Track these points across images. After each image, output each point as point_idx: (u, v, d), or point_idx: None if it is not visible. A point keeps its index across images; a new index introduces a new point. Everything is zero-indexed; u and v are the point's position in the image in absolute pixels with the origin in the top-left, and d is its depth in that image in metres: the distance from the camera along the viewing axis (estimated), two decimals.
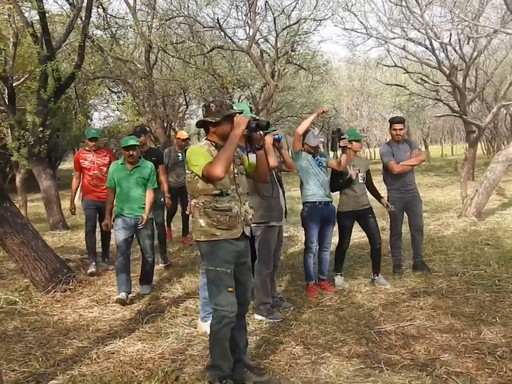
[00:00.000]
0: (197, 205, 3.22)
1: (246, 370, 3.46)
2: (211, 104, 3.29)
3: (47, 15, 9.82)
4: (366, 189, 5.76)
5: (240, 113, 3.32)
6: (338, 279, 5.74)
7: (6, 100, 10.14)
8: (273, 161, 4.92)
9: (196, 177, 3.21)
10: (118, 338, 4.38)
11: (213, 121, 3.26)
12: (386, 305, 5.03)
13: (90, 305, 5.38)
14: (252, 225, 4.67)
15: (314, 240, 5.37)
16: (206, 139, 3.36)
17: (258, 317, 4.79)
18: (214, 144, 3.31)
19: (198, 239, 3.26)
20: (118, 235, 5.47)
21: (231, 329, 3.34)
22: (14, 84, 10.98)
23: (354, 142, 5.58)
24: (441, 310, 4.78)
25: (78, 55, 9.99)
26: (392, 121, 6.00)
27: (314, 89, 28.78)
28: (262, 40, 17.59)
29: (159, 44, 14.90)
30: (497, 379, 3.50)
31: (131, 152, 5.50)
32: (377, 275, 5.73)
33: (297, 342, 4.21)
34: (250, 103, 18.98)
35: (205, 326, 4.42)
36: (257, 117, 3.47)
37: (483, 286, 5.42)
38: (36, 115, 9.65)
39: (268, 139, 4.70)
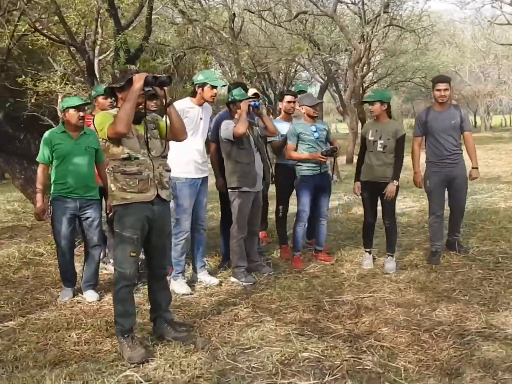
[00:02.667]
0: (108, 171, 3.45)
1: (167, 325, 3.71)
2: (116, 71, 3.49)
3: None
4: (390, 160, 5.02)
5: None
6: (388, 263, 5.14)
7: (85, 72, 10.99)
8: (270, 126, 5.06)
9: (107, 142, 3.42)
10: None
11: (118, 86, 3.44)
12: (364, 276, 4.97)
13: None
14: (229, 190, 4.89)
15: (306, 209, 5.33)
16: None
17: (232, 279, 4.98)
18: None
19: (112, 204, 3.51)
20: (58, 224, 4.61)
21: (154, 289, 3.64)
22: (100, 58, 11.88)
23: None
24: (415, 285, 4.63)
25: (145, 28, 10.49)
26: (434, 81, 5.25)
27: (429, 51, 27.31)
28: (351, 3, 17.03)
29: (246, 11, 15.15)
30: (422, 356, 3.40)
31: (81, 114, 4.59)
32: (387, 257, 5.19)
33: (248, 305, 4.35)
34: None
35: (174, 285, 4.72)
36: (160, 75, 3.48)
37: (483, 262, 5.11)
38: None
39: (243, 106, 4.81)
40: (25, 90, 13.06)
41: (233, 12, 14.36)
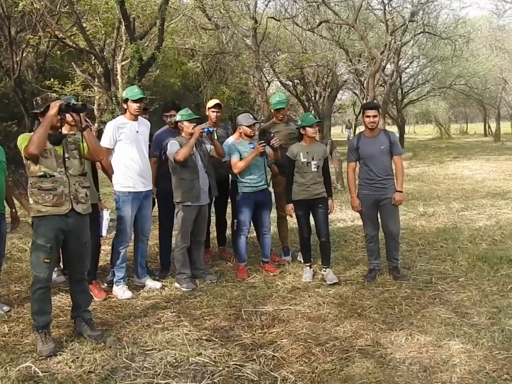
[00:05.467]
0: (28, 185, 3.92)
1: (84, 324, 4.15)
2: (38, 98, 3.94)
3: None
4: (321, 179, 5.48)
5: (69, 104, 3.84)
6: (329, 274, 5.40)
7: (102, 78, 11.64)
8: (219, 150, 5.52)
9: (27, 160, 3.87)
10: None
11: (38, 111, 3.89)
12: (296, 289, 5.24)
13: None
14: (174, 203, 5.29)
15: (246, 223, 5.68)
16: None
17: (176, 284, 5.38)
18: None
19: (30, 215, 3.98)
20: None
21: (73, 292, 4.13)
22: (123, 63, 12.50)
23: (307, 128, 5.42)
24: (337, 300, 4.88)
25: (158, 37, 11.02)
26: (365, 107, 5.54)
27: (473, 57, 26.87)
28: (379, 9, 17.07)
29: (271, 17, 15.50)
30: (305, 368, 3.68)
31: None
32: (325, 270, 5.44)
33: (174, 310, 4.74)
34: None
35: (117, 290, 5.16)
36: (77, 102, 3.90)
37: (415, 282, 5.29)
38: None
39: (196, 131, 5.20)
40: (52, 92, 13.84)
41: (255, 20, 14.71)
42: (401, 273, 5.45)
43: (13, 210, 5.09)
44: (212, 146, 5.46)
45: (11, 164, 6.73)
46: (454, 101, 37.63)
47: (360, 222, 6.00)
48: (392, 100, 28.14)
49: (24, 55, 15.19)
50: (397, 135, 28.65)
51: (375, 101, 17.03)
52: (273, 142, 5.56)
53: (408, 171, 16.38)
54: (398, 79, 24.79)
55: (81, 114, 3.88)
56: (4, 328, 4.33)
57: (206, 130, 5.29)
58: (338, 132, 55.79)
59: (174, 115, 5.49)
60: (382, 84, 22.87)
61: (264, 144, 5.45)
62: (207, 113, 6.15)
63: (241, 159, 5.52)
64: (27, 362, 3.67)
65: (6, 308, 4.75)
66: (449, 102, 38.98)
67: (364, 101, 16.44)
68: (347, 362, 3.70)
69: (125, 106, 5.13)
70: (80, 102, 3.89)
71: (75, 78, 14.11)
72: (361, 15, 17.66)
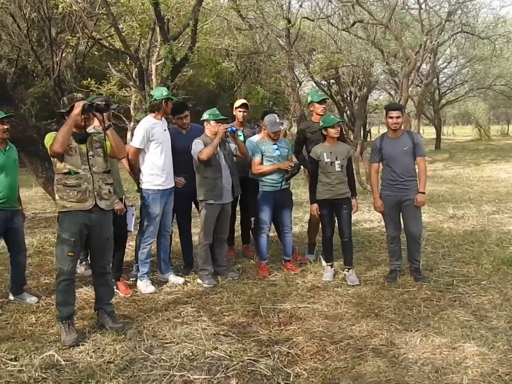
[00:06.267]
0: (55, 182, 4.09)
1: (107, 316, 4.31)
2: (64, 99, 4.11)
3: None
4: (345, 178, 5.50)
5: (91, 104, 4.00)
6: (351, 276, 5.45)
7: (137, 79, 11.92)
8: (242, 149, 5.62)
9: (54, 158, 4.05)
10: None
11: (64, 111, 4.06)
12: (315, 288, 5.29)
13: None
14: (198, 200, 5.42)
15: (267, 221, 5.76)
16: None
17: (198, 280, 5.50)
18: None
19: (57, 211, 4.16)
20: None
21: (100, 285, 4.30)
22: (157, 64, 12.79)
23: (329, 129, 5.44)
24: (355, 299, 4.92)
25: (191, 38, 11.22)
26: (387, 108, 5.55)
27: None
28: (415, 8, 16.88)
29: (305, 18, 15.50)
30: (319, 365, 3.74)
31: (6, 126, 4.82)
32: (348, 271, 5.49)
33: (195, 305, 4.86)
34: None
35: (140, 284, 5.31)
36: (100, 102, 4.05)
37: (436, 284, 5.27)
38: None
39: (220, 131, 5.31)
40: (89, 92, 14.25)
41: (288, 20, 14.74)
42: (422, 274, 5.43)
43: (20, 207, 5.15)
44: (235, 146, 5.57)
45: (44, 162, 7.01)
46: (494, 102, 36.85)
47: None
48: (428, 100, 27.75)
49: (63, 55, 15.69)
50: (434, 136, 28.19)
51: (409, 101, 16.89)
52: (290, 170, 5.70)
53: (442, 173, 16.19)
54: (435, 79, 24.44)
55: (104, 113, 4.04)
56: (32, 318, 4.54)
57: (229, 129, 5.40)
58: (375, 133, 55.17)
59: (188, 116, 5.67)
60: (419, 85, 22.59)
61: (291, 167, 5.63)
62: (234, 113, 6.28)
63: (262, 159, 5.60)
64: (50, 351, 3.84)
65: (34, 299, 4.96)
66: (489, 103, 38.15)
67: (399, 102, 16.29)
68: (359, 360, 3.74)
69: (164, 105, 5.28)
70: (103, 102, 4.03)
71: (111, 78, 14.46)
72: (397, 14, 17.53)
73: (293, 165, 5.65)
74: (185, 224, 5.85)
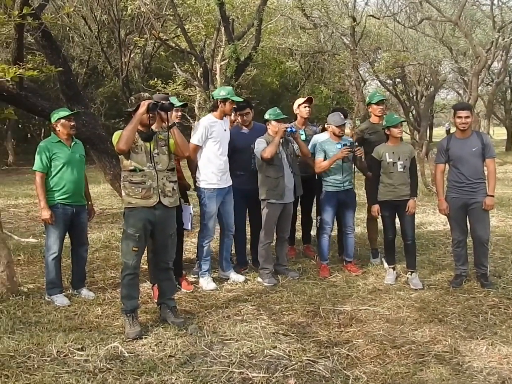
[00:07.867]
0: (121, 179, 4.22)
1: (169, 311, 4.40)
2: (131, 98, 4.22)
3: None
4: (408, 179, 5.36)
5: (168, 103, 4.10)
6: (414, 279, 5.33)
7: (201, 78, 12.12)
8: (303, 149, 5.61)
9: (120, 155, 4.18)
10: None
11: (131, 110, 4.16)
12: (376, 290, 5.20)
13: None
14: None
15: (329, 222, 5.70)
16: None
17: (259, 279, 5.53)
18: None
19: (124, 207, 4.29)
20: (53, 231, 4.91)
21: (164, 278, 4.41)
22: (222, 63, 12.97)
23: (392, 128, 5.33)
24: (418, 304, 4.80)
25: (255, 38, 11.29)
26: (456, 108, 5.29)
27: None
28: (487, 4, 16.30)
29: (371, 16, 15.33)
30: (379, 369, 3.70)
31: (72, 123, 4.96)
32: (411, 274, 5.38)
33: (255, 303, 4.89)
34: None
35: (202, 281, 5.40)
36: (165, 102, 4.14)
37: (504, 291, 5.05)
38: None
39: (279, 130, 5.32)
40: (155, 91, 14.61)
41: (354, 18, 14.60)
42: (489, 280, 5.23)
43: (89, 202, 5.31)
44: (297, 145, 5.56)
45: (112, 159, 7.24)
46: None
47: None
48: (499, 100, 26.71)
49: (131, 56, 16.16)
50: (505, 137, 27.09)
51: (479, 101, 16.33)
52: (357, 152, 5.58)
53: None
54: (507, 78, 23.49)
55: (168, 112, 4.14)
56: (98, 310, 4.71)
57: (289, 129, 5.39)
58: (442, 133, 53.64)
59: (250, 113, 5.68)
60: (489, 83, 21.79)
61: (349, 149, 5.46)
62: (295, 112, 6.24)
63: (325, 158, 5.56)
64: (115, 343, 3.96)
65: (91, 295, 5.09)
66: None
67: (468, 101, 15.80)
68: (421, 366, 3.65)
69: (221, 105, 5.30)
70: (168, 102, 4.13)
71: (177, 77, 14.76)
72: (467, 11, 17.02)
73: (349, 148, 5.51)
74: (240, 223, 5.84)
